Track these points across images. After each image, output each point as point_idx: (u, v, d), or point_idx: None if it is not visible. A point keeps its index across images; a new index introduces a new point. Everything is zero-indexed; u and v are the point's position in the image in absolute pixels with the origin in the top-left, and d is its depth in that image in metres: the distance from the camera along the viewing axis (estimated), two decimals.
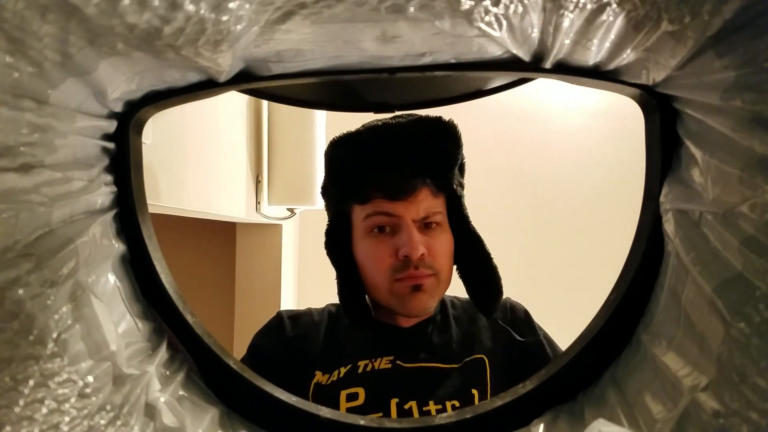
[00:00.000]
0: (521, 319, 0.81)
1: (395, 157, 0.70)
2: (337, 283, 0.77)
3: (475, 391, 0.71)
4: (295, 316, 0.82)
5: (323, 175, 0.80)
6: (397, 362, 0.73)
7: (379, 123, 0.72)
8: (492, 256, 0.74)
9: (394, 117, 0.72)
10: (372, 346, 0.75)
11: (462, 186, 0.78)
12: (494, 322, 0.79)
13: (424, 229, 0.71)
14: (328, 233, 0.78)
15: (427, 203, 0.70)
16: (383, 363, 0.72)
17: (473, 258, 0.75)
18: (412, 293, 0.70)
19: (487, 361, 0.74)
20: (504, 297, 0.81)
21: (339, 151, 0.74)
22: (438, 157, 0.71)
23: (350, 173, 0.72)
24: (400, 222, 0.69)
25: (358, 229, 0.74)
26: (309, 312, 0.83)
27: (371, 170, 0.70)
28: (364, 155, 0.71)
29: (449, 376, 0.72)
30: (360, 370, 0.72)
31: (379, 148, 0.71)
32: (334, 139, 0.75)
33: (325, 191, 0.80)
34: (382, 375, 0.71)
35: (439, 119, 0.71)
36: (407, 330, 0.76)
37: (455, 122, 0.71)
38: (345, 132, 0.74)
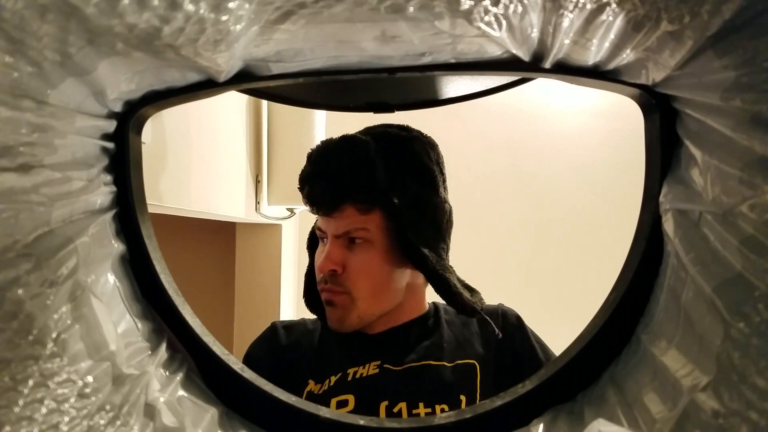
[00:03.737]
0: (513, 324, 0.81)
1: (324, 176, 0.72)
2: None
3: (463, 397, 0.71)
4: (289, 326, 0.85)
5: None
6: (385, 366, 0.73)
7: (322, 143, 0.75)
8: (437, 271, 0.72)
9: (332, 139, 0.75)
10: (360, 352, 0.76)
11: (419, 200, 0.74)
12: (486, 329, 0.79)
13: (348, 244, 0.72)
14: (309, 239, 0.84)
15: (352, 220, 0.71)
16: (371, 368, 0.73)
17: (425, 273, 0.74)
18: (326, 306, 0.75)
19: (478, 367, 0.74)
20: (497, 304, 0.83)
21: (307, 163, 0.76)
22: (360, 178, 0.71)
23: (302, 188, 0.75)
24: (326, 236, 0.73)
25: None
26: (303, 322, 0.86)
27: (307, 188, 0.74)
28: (308, 173, 0.74)
29: (440, 373, 0.73)
30: (349, 378, 0.73)
31: (315, 168, 0.73)
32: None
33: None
34: (371, 380, 0.72)
35: (359, 142, 0.72)
36: (394, 333, 0.78)
37: (374, 145, 0.71)
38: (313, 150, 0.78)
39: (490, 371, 0.74)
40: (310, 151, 0.75)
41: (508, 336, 0.78)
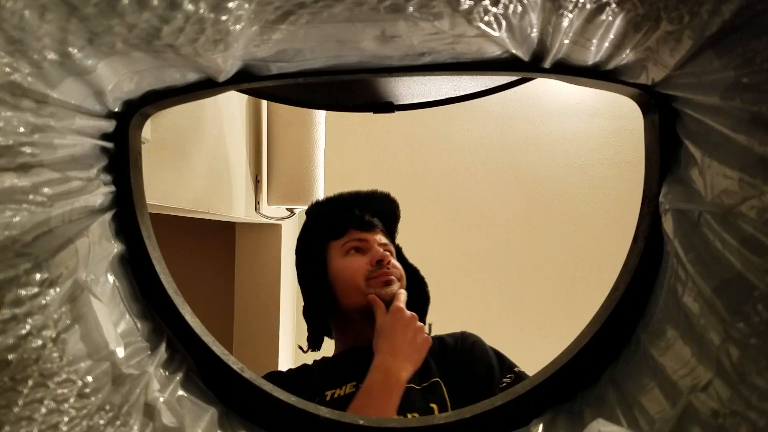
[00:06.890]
0: (471, 341, 0.94)
1: (363, 207, 1.03)
2: (308, 308, 0.99)
3: (434, 405, 0.80)
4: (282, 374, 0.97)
5: (306, 230, 1.08)
6: (360, 386, 0.81)
7: (347, 192, 1.08)
8: (425, 280, 1.06)
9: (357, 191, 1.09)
10: (337, 376, 0.87)
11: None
12: (444, 351, 0.92)
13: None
14: (309, 273, 1.02)
15: (384, 239, 1.01)
16: (348, 389, 0.84)
17: (411, 281, 1.01)
18: (384, 286, 0.92)
19: (442, 383, 0.85)
20: (460, 331, 1.00)
21: (322, 205, 1.09)
22: (386, 214, 1.07)
23: (332, 218, 1.03)
24: (369, 245, 0.98)
25: (335, 256, 0.99)
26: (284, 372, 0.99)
27: (347, 215, 1.02)
28: (341, 206, 1.05)
29: (410, 393, 0.81)
30: (328, 399, 0.83)
31: (351, 202, 1.05)
32: (315, 201, 1.13)
33: (304, 245, 1.05)
34: (347, 398, 0.81)
35: (386, 193, 1.10)
36: (369, 354, 0.86)
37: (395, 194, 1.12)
38: (323, 198, 1.12)
39: (455, 386, 0.85)
40: (328, 197, 1.10)
41: (466, 352, 0.91)
